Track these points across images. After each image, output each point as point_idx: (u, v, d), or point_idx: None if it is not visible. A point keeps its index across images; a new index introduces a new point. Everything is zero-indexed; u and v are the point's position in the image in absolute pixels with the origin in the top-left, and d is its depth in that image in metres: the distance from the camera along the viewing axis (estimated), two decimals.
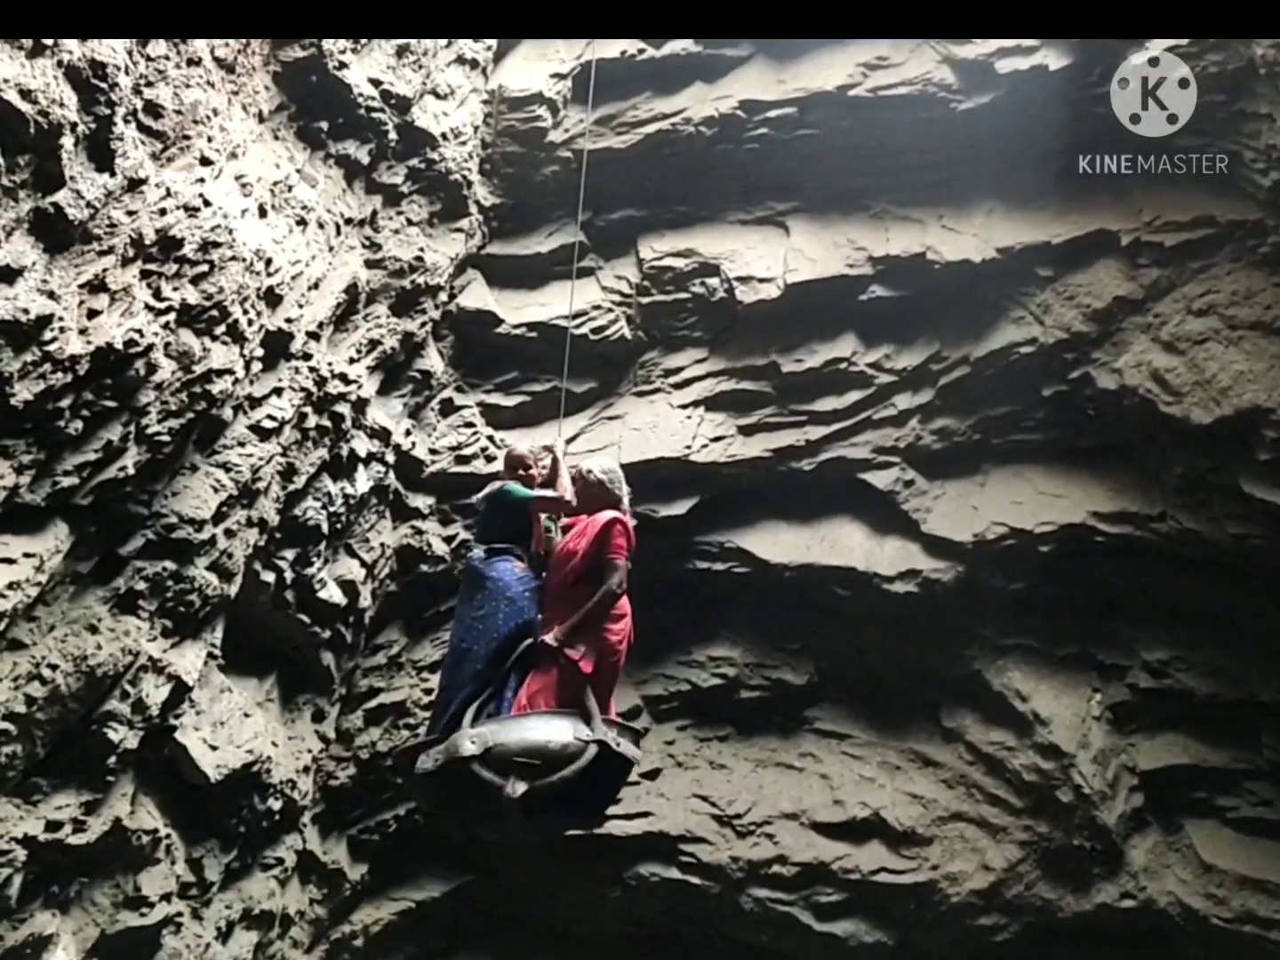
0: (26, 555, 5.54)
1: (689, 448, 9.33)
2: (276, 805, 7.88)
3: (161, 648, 6.54)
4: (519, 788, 5.64)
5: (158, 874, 6.90)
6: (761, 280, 9.39)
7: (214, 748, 7.21)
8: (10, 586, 5.39)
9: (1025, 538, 8.93)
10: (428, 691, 9.14)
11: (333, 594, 8.18)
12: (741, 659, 9.78)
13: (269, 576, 7.66)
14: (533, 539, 6.87)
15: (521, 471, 7.07)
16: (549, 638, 6.27)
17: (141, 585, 6.37)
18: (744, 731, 9.83)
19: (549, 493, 6.90)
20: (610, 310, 9.66)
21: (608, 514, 6.60)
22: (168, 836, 6.97)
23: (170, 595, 6.55)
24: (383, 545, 8.75)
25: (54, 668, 5.81)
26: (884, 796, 9.45)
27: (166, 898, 6.95)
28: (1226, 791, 8.95)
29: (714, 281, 9.52)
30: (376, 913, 9.40)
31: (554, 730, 5.93)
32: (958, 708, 9.49)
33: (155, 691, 6.48)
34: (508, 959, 10.13)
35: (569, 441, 9.41)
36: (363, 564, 8.52)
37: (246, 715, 7.58)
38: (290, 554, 7.80)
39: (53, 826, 5.99)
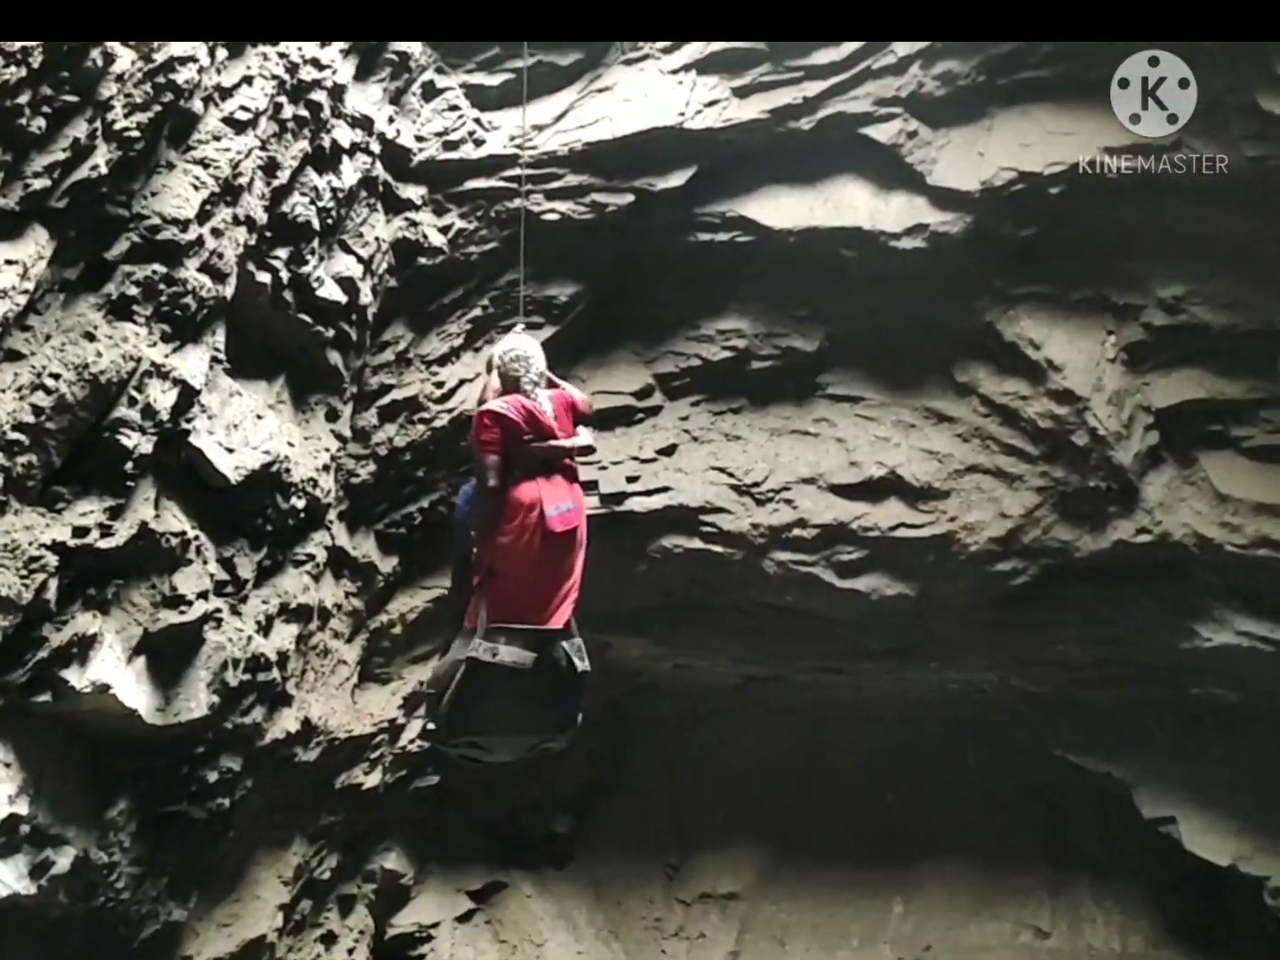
0: (9, 262, 5.42)
1: (683, 115, 8.95)
2: (300, 504, 7.97)
3: (163, 353, 6.46)
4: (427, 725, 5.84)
5: (191, 574, 7.03)
6: None
7: (230, 450, 7.22)
8: None
9: (1035, 180, 8.64)
10: (438, 385, 9.15)
11: (331, 292, 8.04)
12: (750, 330, 9.65)
13: (264, 277, 7.50)
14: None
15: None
16: None
17: (133, 290, 6.24)
18: (757, 402, 9.82)
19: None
20: None
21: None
22: (196, 538, 7.07)
23: (164, 299, 6.42)
24: (377, 239, 8.54)
25: (56, 377, 5.76)
26: (899, 455, 9.52)
27: (203, 595, 7.10)
28: (1242, 422, 8.98)
29: None
30: (411, 601, 9.70)
31: (447, 654, 6.05)
32: (970, 361, 9.43)
33: (163, 397, 6.44)
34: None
35: (558, 118, 9.13)
36: (359, 259, 8.33)
37: (259, 417, 7.57)
38: (283, 253, 7.60)
39: (80, 532, 6.05)
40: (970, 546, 9.44)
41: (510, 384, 6.53)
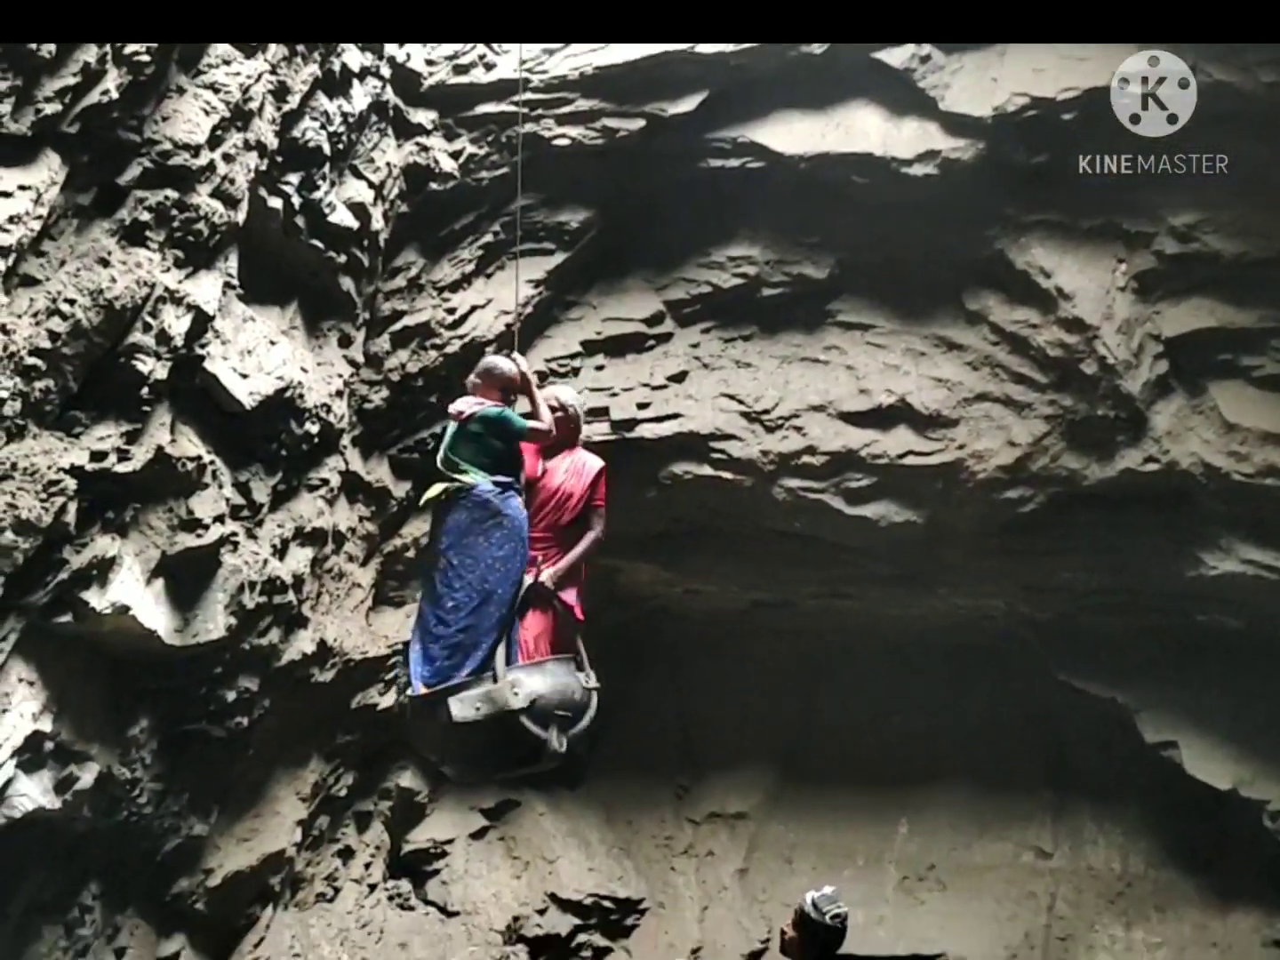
0: (22, 188, 5.48)
1: None
2: (314, 429, 8.06)
3: (176, 279, 6.53)
4: (562, 740, 6.07)
5: (207, 498, 7.15)
6: None
7: (244, 376, 7.30)
8: (11, 220, 5.36)
9: (1048, 106, 8.56)
10: (450, 311, 9.17)
11: (343, 217, 8.06)
12: (761, 257, 9.61)
13: (276, 203, 7.53)
14: (522, 471, 6.76)
15: (513, 395, 6.79)
16: (546, 579, 6.48)
17: (146, 216, 6.30)
18: (768, 329, 9.80)
19: (540, 425, 6.76)
20: None
21: (597, 460, 6.93)
22: (212, 462, 7.18)
23: (177, 225, 6.48)
24: (389, 165, 8.55)
25: (71, 302, 5.83)
26: (909, 383, 9.53)
27: (220, 519, 7.23)
28: (1252, 351, 8.94)
29: None
30: (424, 525, 9.73)
31: (570, 679, 6.33)
32: (981, 289, 9.38)
33: (177, 322, 6.52)
34: None
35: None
36: (370, 185, 8.34)
37: (272, 343, 7.64)
38: (295, 178, 7.63)
39: (97, 456, 6.16)
40: (979, 474, 9.48)
41: (577, 432, 6.94)
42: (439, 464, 6.79)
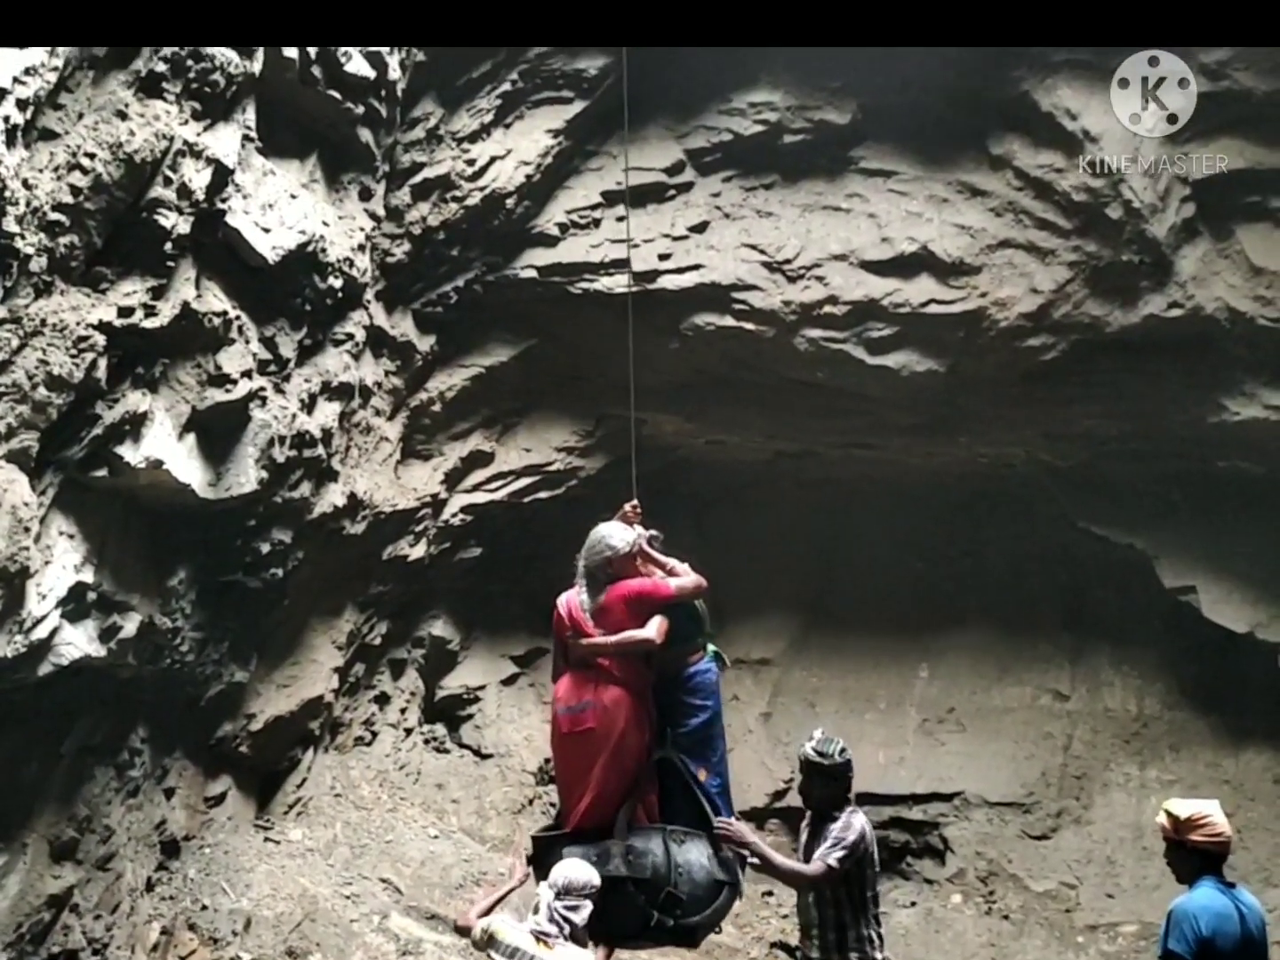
0: None
1: None
2: (337, 283, 8.07)
3: (195, 131, 6.47)
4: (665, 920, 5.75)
5: (235, 353, 7.20)
6: None
7: (266, 230, 7.29)
8: (28, 72, 5.31)
9: None
10: (470, 163, 9.10)
11: (359, 67, 7.92)
12: (782, 102, 9.49)
13: (291, 53, 7.42)
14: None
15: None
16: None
17: (161, 67, 6.22)
18: (789, 177, 9.72)
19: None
20: None
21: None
22: (238, 318, 7.20)
23: (193, 76, 6.40)
24: None
25: (91, 156, 5.78)
26: (932, 230, 9.47)
27: (247, 374, 7.29)
28: None
29: None
30: (450, 380, 9.90)
31: (698, 857, 5.87)
32: (1006, 134, 9.27)
33: (197, 176, 6.48)
34: (578, 414, 10.74)
35: None
36: None
37: (293, 197, 7.61)
38: None
39: (124, 312, 6.17)
40: (1001, 322, 9.48)
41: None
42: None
